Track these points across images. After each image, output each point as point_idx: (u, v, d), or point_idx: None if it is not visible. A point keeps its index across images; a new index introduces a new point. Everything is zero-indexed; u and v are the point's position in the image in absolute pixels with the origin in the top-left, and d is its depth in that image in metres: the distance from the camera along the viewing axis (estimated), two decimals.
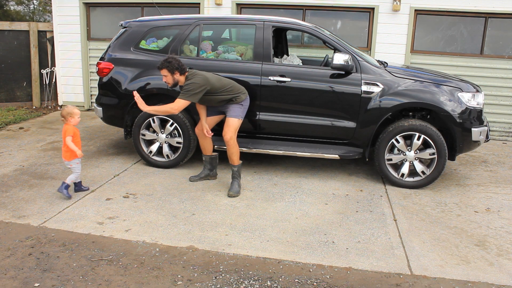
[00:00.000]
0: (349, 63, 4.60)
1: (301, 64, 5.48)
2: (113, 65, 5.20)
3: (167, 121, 4.98)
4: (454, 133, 4.63)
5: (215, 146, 4.92)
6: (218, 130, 4.79)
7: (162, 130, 5.03)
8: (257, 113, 4.90)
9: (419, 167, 4.69)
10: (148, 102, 5.12)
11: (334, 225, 3.81)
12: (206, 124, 4.56)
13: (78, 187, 4.38)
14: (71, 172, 4.27)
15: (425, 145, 4.66)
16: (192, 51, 5.14)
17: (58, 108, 8.69)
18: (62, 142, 4.24)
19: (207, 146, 4.73)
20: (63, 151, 4.24)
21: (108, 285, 2.85)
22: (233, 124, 4.42)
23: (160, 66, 4.28)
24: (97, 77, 5.41)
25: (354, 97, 4.70)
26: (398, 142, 4.67)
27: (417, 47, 7.47)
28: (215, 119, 4.68)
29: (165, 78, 4.30)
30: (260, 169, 5.23)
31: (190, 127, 4.95)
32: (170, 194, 4.39)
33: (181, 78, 4.30)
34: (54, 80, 8.79)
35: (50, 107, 8.77)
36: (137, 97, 4.30)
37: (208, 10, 7.83)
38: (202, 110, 4.58)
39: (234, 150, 4.44)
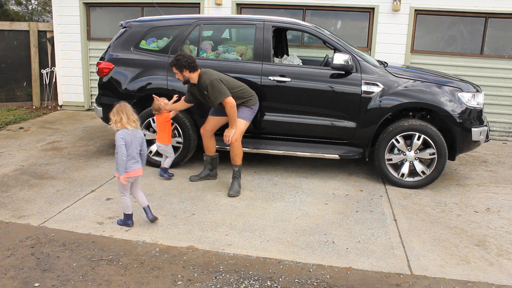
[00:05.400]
0: (349, 63, 4.60)
1: (301, 64, 5.47)
2: (113, 65, 5.20)
3: None
4: (454, 133, 4.63)
5: (216, 147, 4.91)
6: (218, 130, 4.79)
7: None
8: (258, 113, 4.89)
9: (419, 167, 4.69)
10: (148, 102, 5.15)
11: (334, 225, 3.81)
12: (228, 133, 4.39)
13: (164, 171, 4.81)
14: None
15: (425, 145, 4.66)
16: (192, 51, 5.14)
17: (58, 108, 8.68)
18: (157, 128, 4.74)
19: (210, 147, 4.72)
20: (159, 136, 4.73)
21: (108, 285, 2.85)
22: (240, 126, 4.40)
23: (170, 64, 4.35)
24: (97, 77, 5.41)
25: (354, 97, 4.69)
26: (398, 142, 4.67)
27: (417, 47, 7.47)
28: (222, 120, 4.64)
29: (176, 75, 4.35)
30: (260, 169, 5.23)
31: (190, 127, 4.95)
32: (170, 194, 4.39)
33: (192, 76, 4.29)
34: (54, 80, 8.79)
35: (50, 107, 8.77)
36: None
37: (208, 10, 7.82)
38: (212, 120, 4.67)
39: (238, 152, 4.44)
